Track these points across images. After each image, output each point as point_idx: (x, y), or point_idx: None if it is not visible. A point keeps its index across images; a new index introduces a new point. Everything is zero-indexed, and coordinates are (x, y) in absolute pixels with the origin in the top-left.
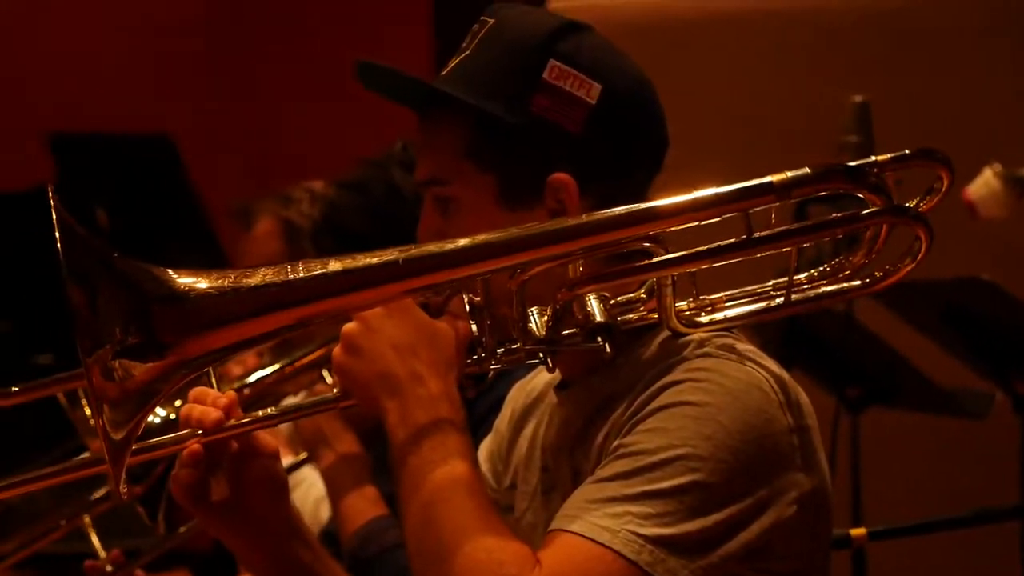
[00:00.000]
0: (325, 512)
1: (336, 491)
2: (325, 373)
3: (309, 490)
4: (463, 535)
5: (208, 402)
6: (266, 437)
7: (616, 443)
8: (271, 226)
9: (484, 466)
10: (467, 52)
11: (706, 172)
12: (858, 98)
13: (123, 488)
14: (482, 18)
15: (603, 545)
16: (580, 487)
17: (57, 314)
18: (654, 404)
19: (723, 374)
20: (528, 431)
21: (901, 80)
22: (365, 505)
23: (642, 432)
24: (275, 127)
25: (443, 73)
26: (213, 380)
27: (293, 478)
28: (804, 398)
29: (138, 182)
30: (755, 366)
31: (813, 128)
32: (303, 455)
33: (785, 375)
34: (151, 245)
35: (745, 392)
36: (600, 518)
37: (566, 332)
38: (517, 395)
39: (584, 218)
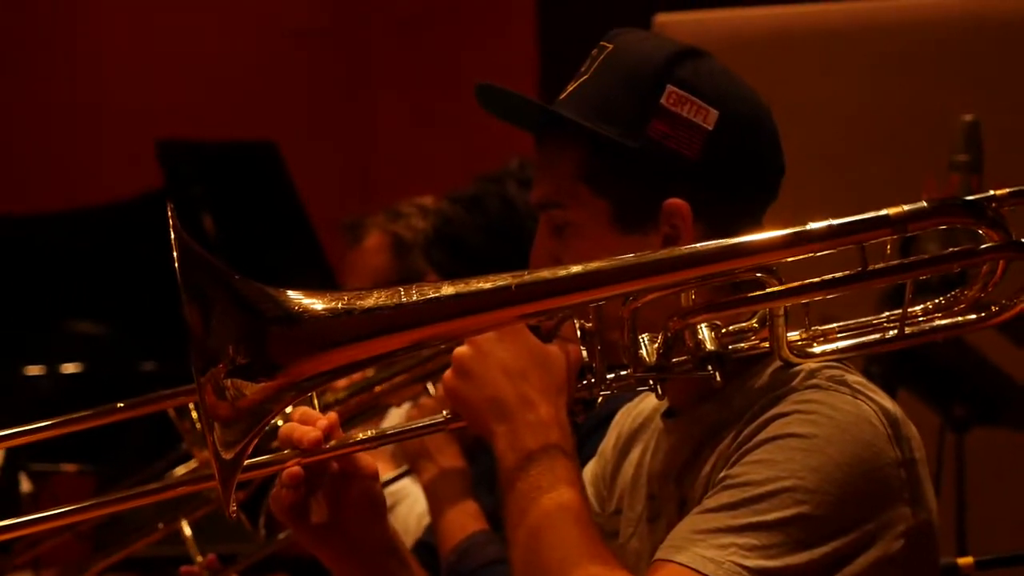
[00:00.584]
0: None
1: (437, 505)
2: (429, 386)
3: (413, 505)
4: (569, 562)
5: (309, 422)
6: (366, 458)
7: (723, 474)
8: (380, 240)
9: (588, 490)
10: (585, 76)
11: (812, 186)
12: (968, 117)
13: (232, 507)
14: (601, 43)
15: None
16: (686, 517)
17: (162, 321)
18: (762, 435)
19: (832, 407)
20: (634, 456)
21: (1014, 95)
22: (465, 520)
23: (749, 463)
24: (380, 136)
25: (561, 97)
26: (315, 400)
27: (398, 491)
28: (913, 431)
29: (244, 189)
30: (865, 399)
31: (923, 142)
32: (404, 468)
33: (895, 408)
34: (255, 251)
35: (854, 425)
36: (705, 549)
37: (677, 360)
38: (623, 419)
39: (698, 247)
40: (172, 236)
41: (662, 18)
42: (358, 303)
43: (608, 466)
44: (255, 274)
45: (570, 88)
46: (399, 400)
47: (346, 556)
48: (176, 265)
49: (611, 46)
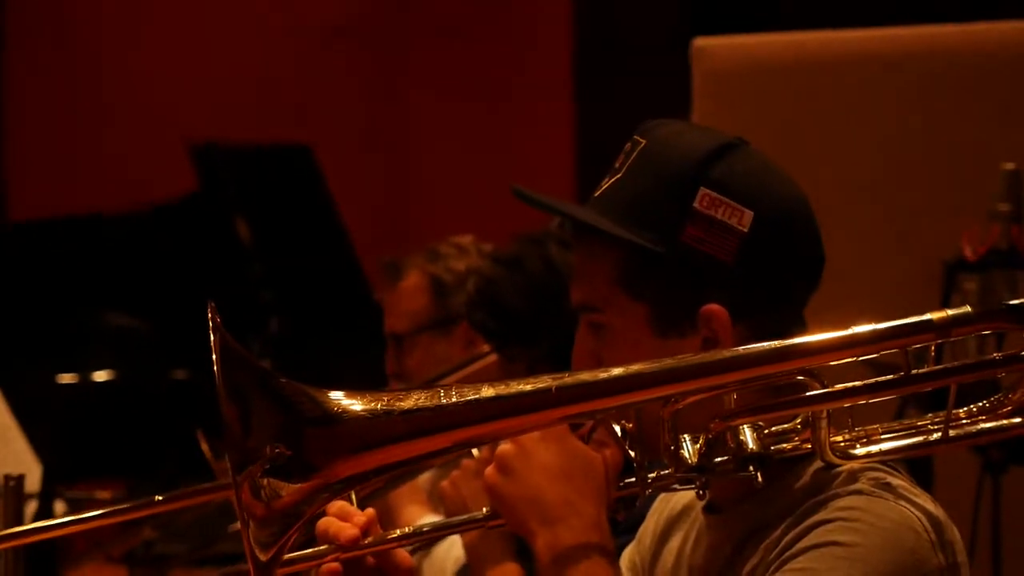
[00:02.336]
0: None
1: (478, 565)
2: (474, 449)
3: (451, 549)
4: None
5: (347, 518)
6: (402, 553)
7: None
8: (419, 280)
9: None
10: (619, 175)
11: (844, 216)
12: (1010, 166)
13: None
14: (635, 137)
15: None
16: None
17: (194, 328)
18: (803, 543)
19: (875, 514)
20: (674, 544)
21: None
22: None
23: (791, 571)
24: (416, 140)
25: (596, 194)
26: (353, 496)
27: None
28: (956, 535)
29: (278, 193)
30: (908, 505)
31: (962, 177)
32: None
33: (937, 511)
34: (289, 255)
35: (896, 532)
36: None
37: (718, 460)
38: (662, 506)
39: (740, 352)
40: (212, 335)
41: (700, 42)
42: (397, 404)
43: (647, 553)
44: (289, 281)
45: (604, 186)
46: (442, 461)
47: None
48: (215, 363)
49: (644, 141)
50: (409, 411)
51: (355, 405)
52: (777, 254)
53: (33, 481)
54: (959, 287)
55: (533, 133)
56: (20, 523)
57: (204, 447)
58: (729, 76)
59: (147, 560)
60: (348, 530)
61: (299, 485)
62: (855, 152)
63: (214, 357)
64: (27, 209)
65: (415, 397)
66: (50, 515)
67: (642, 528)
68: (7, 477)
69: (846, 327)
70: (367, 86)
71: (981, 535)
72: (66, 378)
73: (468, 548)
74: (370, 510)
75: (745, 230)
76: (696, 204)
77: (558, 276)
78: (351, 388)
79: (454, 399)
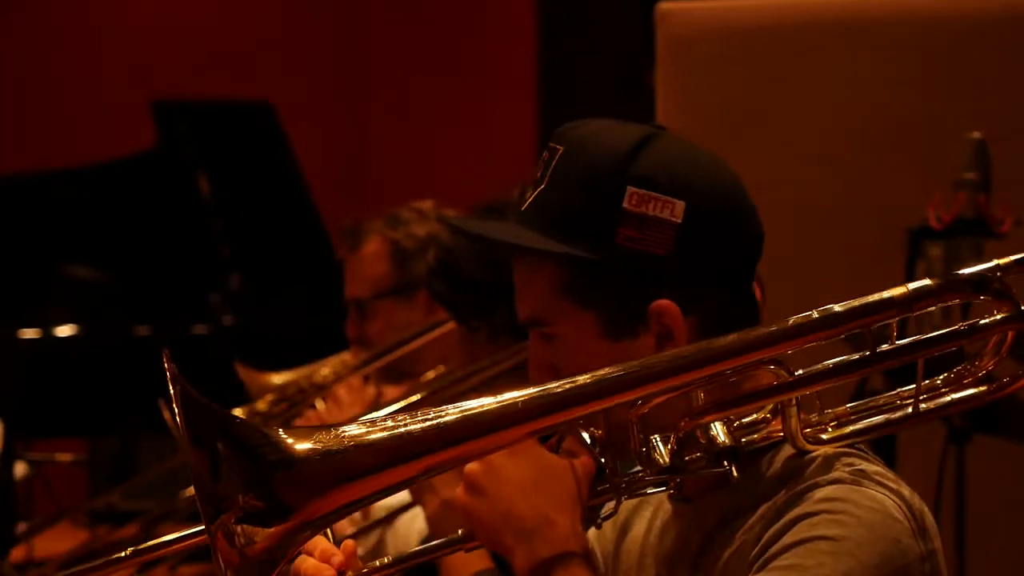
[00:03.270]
0: None
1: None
2: None
3: (413, 521)
4: None
5: (324, 558)
6: None
7: None
8: (379, 247)
9: None
10: (543, 186)
11: (813, 185)
12: (976, 134)
13: None
14: (551, 145)
15: None
16: None
17: (155, 284)
18: (788, 538)
19: (858, 504)
20: (637, 533)
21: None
22: (470, 557)
23: (778, 569)
24: (375, 96)
25: (523, 208)
26: (329, 533)
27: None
28: (931, 519)
29: (239, 149)
30: (888, 492)
31: (929, 144)
32: (407, 500)
33: (912, 496)
34: (250, 212)
35: (881, 524)
36: None
37: (690, 458)
38: None
39: (704, 346)
40: (170, 383)
41: (664, 7)
42: (365, 436)
43: (609, 545)
44: (249, 237)
45: (529, 198)
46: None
47: None
48: (177, 413)
49: (561, 148)
50: (374, 443)
51: (316, 444)
52: (716, 238)
53: None
54: (924, 254)
55: (496, 92)
56: None
57: (166, 415)
58: (693, 41)
59: (110, 518)
60: (325, 571)
61: (274, 529)
62: (820, 119)
63: (175, 406)
64: None
65: (380, 427)
66: (10, 477)
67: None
68: None
69: (807, 310)
70: (329, 42)
71: (945, 505)
72: (28, 333)
73: (430, 522)
74: (348, 543)
75: (679, 220)
76: (625, 204)
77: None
78: (295, 429)
79: (420, 425)
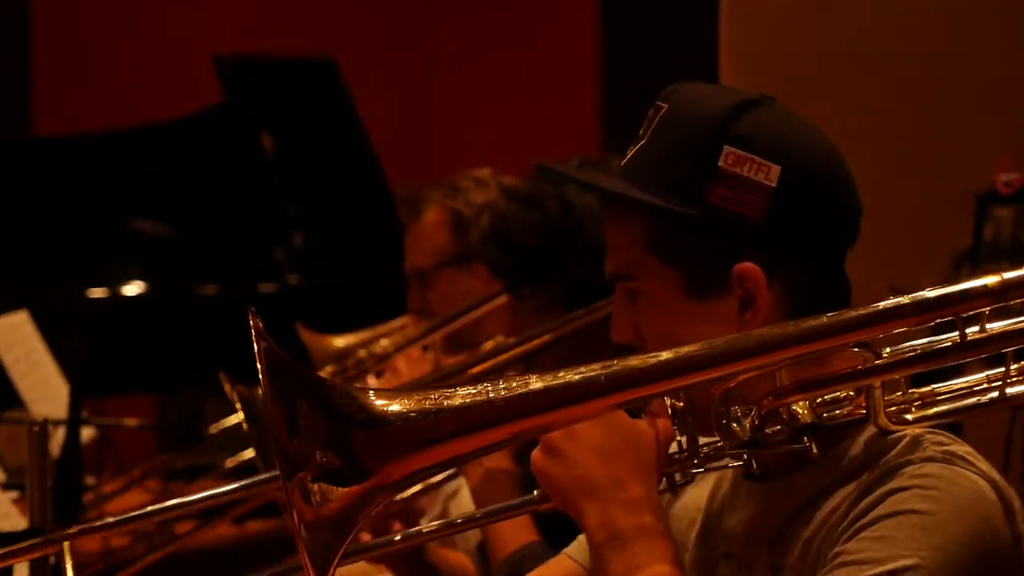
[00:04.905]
0: None
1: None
2: None
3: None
4: None
5: None
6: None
7: (838, 549)
8: (438, 216)
9: None
10: (643, 142)
11: (865, 140)
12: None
13: None
14: (656, 103)
15: None
16: None
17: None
18: (879, 511)
19: (951, 481)
20: (688, 501)
21: None
22: (516, 530)
23: (867, 539)
24: (441, 55)
25: (622, 164)
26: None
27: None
28: (1018, 502)
29: (302, 106)
30: (979, 473)
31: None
32: (451, 470)
33: (1001, 480)
34: (313, 169)
35: (973, 502)
36: None
37: (771, 432)
38: None
39: (791, 327)
40: (256, 341)
41: None
42: (446, 402)
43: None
44: (313, 195)
45: (629, 154)
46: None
47: None
48: (261, 369)
49: (666, 106)
50: (458, 409)
51: (403, 406)
52: (808, 207)
53: (61, 407)
54: (992, 216)
55: (558, 57)
56: (46, 468)
57: (227, 388)
58: None
59: (181, 475)
60: None
61: (350, 489)
62: (886, 81)
63: (259, 364)
64: (54, 124)
65: (463, 394)
66: (77, 444)
67: None
68: (31, 424)
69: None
70: (395, 1)
71: (1011, 477)
72: (96, 292)
73: (475, 493)
74: None
75: (773, 185)
76: (721, 163)
77: (573, 217)
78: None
79: (503, 394)
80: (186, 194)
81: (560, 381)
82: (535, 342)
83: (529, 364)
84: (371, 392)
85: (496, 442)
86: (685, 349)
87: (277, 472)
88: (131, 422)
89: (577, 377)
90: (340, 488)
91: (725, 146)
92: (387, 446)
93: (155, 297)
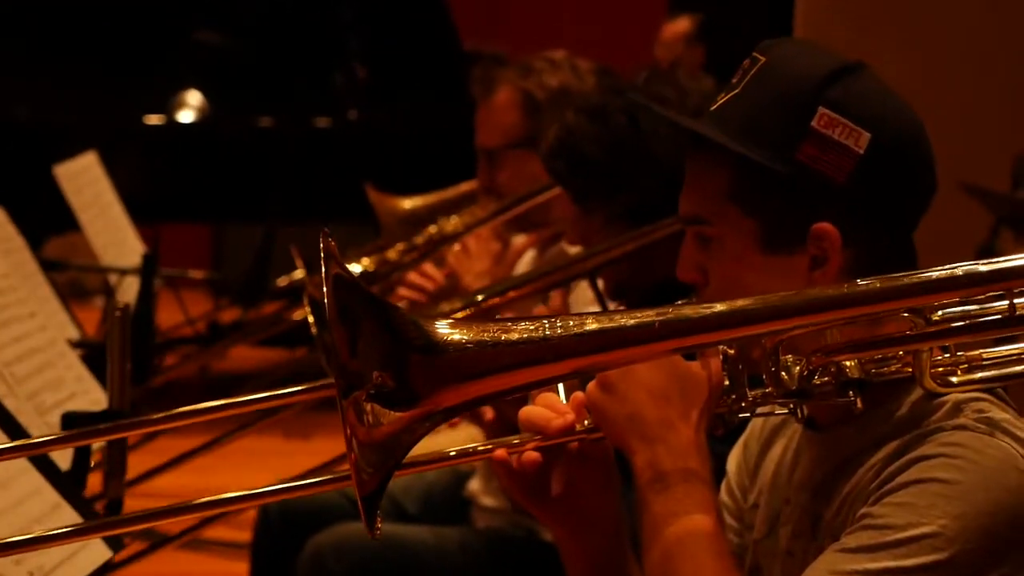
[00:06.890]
0: None
1: None
2: None
3: None
4: None
5: (554, 410)
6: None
7: (864, 511)
8: (510, 96)
9: (732, 479)
10: (736, 91)
11: (937, 97)
12: None
13: (377, 529)
14: (754, 54)
15: None
16: (824, 553)
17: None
18: (904, 477)
19: (978, 451)
20: (776, 452)
21: None
22: None
23: (891, 505)
24: None
25: (712, 109)
26: (561, 391)
27: None
28: None
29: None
30: (1011, 441)
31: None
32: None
33: None
34: (381, 4)
35: (999, 471)
36: None
37: (818, 382)
38: None
39: (845, 288)
40: (324, 263)
41: None
42: (503, 336)
43: (752, 457)
44: (378, 30)
45: (721, 100)
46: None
47: (578, 533)
48: (326, 288)
49: (764, 59)
50: (515, 342)
51: (462, 335)
52: (891, 178)
53: (128, 252)
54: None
55: None
56: (127, 352)
57: (298, 262)
58: None
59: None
60: (556, 421)
61: (400, 414)
62: (933, 42)
63: (325, 284)
64: None
65: (520, 329)
66: (150, 296)
67: (748, 432)
68: (115, 308)
69: (950, 263)
70: None
71: None
72: (152, 119)
73: None
74: (578, 394)
75: (861, 151)
76: (814, 123)
77: (640, 133)
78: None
79: (559, 331)
80: (252, 8)
81: (615, 324)
82: (603, 256)
83: (594, 277)
84: (432, 319)
85: (548, 378)
86: (740, 302)
87: (331, 380)
88: (196, 274)
89: (632, 322)
90: (392, 412)
91: (820, 107)
92: (442, 372)
93: (211, 126)
